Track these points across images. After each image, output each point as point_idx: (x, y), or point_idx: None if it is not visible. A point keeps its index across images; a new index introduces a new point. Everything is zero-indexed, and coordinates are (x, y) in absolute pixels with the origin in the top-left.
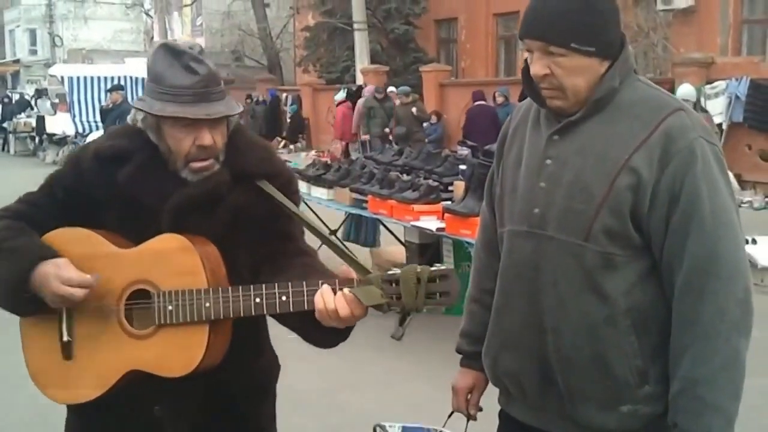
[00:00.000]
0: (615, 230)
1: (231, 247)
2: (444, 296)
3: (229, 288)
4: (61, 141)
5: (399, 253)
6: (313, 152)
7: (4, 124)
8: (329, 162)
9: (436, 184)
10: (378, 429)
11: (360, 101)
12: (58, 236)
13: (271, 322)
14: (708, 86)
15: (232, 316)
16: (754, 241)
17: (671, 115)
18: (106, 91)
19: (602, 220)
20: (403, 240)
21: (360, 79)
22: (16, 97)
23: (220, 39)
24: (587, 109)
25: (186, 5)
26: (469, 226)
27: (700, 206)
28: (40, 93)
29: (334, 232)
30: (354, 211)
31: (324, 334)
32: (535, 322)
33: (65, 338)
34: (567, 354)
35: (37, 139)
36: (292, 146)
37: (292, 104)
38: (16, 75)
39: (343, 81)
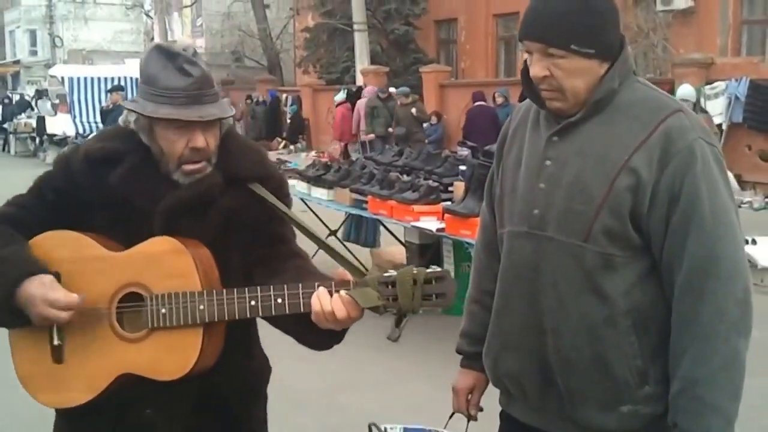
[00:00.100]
0: (615, 231)
1: (223, 250)
2: (440, 298)
3: (224, 290)
4: (61, 142)
5: (399, 253)
6: (313, 153)
7: (5, 125)
8: (329, 162)
9: (436, 184)
10: (373, 428)
11: (361, 101)
12: (47, 240)
13: (264, 323)
14: (708, 87)
15: (227, 318)
16: (753, 242)
17: (670, 116)
18: (107, 91)
19: (602, 220)
20: (403, 240)
21: (360, 80)
22: (16, 97)
23: (220, 40)
24: (587, 110)
25: (186, 6)
26: (469, 227)
27: (700, 206)
28: (41, 94)
29: (334, 233)
30: (354, 211)
31: (319, 336)
32: (535, 323)
33: (56, 342)
34: (567, 355)
35: (37, 140)
36: (292, 147)
37: (292, 105)
38: (16, 76)
39: (343, 82)
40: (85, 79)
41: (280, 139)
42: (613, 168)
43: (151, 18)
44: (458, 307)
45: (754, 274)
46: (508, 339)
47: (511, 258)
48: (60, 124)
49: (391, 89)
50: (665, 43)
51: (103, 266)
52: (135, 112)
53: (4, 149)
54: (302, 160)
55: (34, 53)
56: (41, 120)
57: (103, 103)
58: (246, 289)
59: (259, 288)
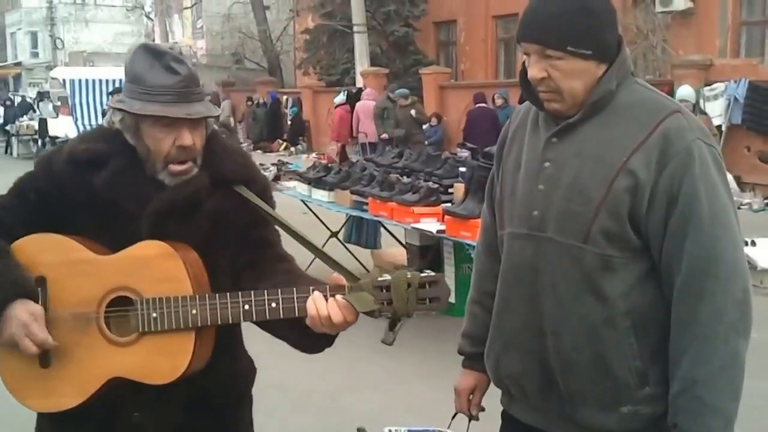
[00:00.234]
0: (613, 232)
1: (211, 253)
2: (434, 301)
3: (217, 295)
4: (63, 143)
5: (400, 254)
6: (313, 154)
7: (7, 127)
8: (329, 164)
9: (436, 186)
10: None
11: (360, 103)
12: (31, 243)
13: (254, 326)
14: (707, 88)
15: (220, 323)
16: (753, 243)
17: (669, 117)
18: (108, 93)
19: (600, 222)
20: (403, 242)
21: (360, 82)
22: (18, 99)
23: (221, 41)
24: (585, 111)
25: (186, 8)
26: (469, 228)
27: (699, 207)
28: (42, 96)
29: (335, 234)
30: (355, 213)
31: (311, 340)
32: (536, 324)
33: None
34: (567, 356)
35: (39, 142)
36: (292, 149)
37: (292, 107)
38: (17, 78)
39: (343, 83)
40: (87, 81)
41: (280, 141)
42: (612, 169)
43: (152, 20)
44: (459, 309)
45: (753, 275)
46: (508, 340)
47: (511, 259)
48: (62, 126)
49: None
50: (664, 44)
51: (91, 270)
52: (122, 110)
53: (6, 151)
54: (303, 161)
55: (35, 55)
56: (43, 122)
57: (105, 105)
58: (239, 293)
59: (252, 292)
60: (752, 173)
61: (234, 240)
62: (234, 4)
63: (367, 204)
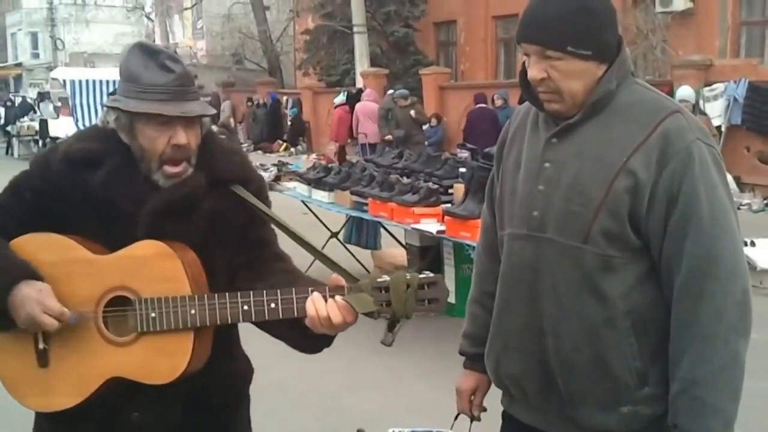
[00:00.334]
0: (613, 232)
1: (208, 253)
2: (433, 303)
3: (216, 295)
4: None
5: (400, 255)
6: (313, 155)
7: (8, 128)
8: (329, 165)
9: (435, 186)
10: None
11: (360, 104)
12: (29, 242)
13: (251, 326)
14: (706, 89)
15: (219, 323)
16: (752, 244)
17: (669, 118)
18: (108, 94)
19: (600, 222)
20: (403, 242)
21: (360, 82)
22: (18, 100)
23: (221, 42)
24: (584, 112)
25: (186, 8)
26: (468, 229)
27: (698, 208)
28: (43, 96)
29: (335, 235)
30: (355, 213)
31: (310, 340)
32: (536, 324)
33: (41, 346)
34: (567, 356)
35: (40, 143)
36: (292, 149)
37: (292, 107)
38: (18, 78)
39: (343, 84)
40: (87, 81)
41: (280, 142)
42: (612, 169)
43: (152, 20)
44: (459, 309)
45: (752, 275)
46: (508, 340)
47: (511, 260)
48: (62, 127)
49: (389, 92)
50: (664, 44)
51: (89, 269)
52: (117, 109)
53: (7, 152)
54: (303, 162)
55: (35, 56)
56: (44, 123)
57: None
58: (238, 293)
59: (251, 293)
60: (752, 174)
61: (231, 240)
62: (234, 5)
63: (367, 204)
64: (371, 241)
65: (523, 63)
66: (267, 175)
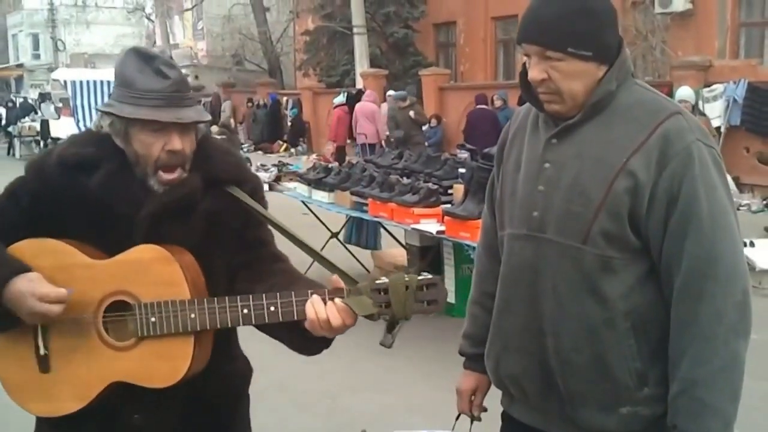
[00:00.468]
0: (613, 233)
1: (206, 255)
2: (432, 304)
3: (215, 299)
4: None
5: (400, 255)
6: (313, 156)
7: (9, 129)
8: (329, 166)
9: (435, 187)
10: None
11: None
12: (27, 248)
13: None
14: (706, 89)
15: (219, 327)
16: (752, 244)
17: (669, 119)
18: (109, 95)
19: (600, 223)
20: (404, 243)
21: (360, 83)
22: (20, 101)
23: (221, 43)
24: (585, 112)
25: (187, 10)
26: (468, 229)
27: (698, 208)
28: (44, 97)
29: (335, 235)
30: (355, 214)
31: (309, 342)
32: (535, 324)
33: (42, 352)
34: (567, 357)
35: (41, 143)
36: (293, 150)
37: (292, 108)
38: (19, 79)
39: (342, 85)
40: (88, 82)
41: (281, 142)
42: (612, 170)
43: (153, 21)
44: (459, 309)
45: (752, 276)
46: (508, 340)
47: (511, 260)
48: (63, 128)
49: (388, 92)
50: (663, 45)
51: (88, 274)
52: (112, 114)
53: (9, 153)
54: (303, 162)
55: (36, 57)
56: (45, 123)
57: None
58: (238, 297)
59: (251, 296)
60: (751, 174)
61: (229, 240)
62: (234, 6)
63: (367, 205)
64: (371, 242)
65: (524, 64)
66: (267, 176)
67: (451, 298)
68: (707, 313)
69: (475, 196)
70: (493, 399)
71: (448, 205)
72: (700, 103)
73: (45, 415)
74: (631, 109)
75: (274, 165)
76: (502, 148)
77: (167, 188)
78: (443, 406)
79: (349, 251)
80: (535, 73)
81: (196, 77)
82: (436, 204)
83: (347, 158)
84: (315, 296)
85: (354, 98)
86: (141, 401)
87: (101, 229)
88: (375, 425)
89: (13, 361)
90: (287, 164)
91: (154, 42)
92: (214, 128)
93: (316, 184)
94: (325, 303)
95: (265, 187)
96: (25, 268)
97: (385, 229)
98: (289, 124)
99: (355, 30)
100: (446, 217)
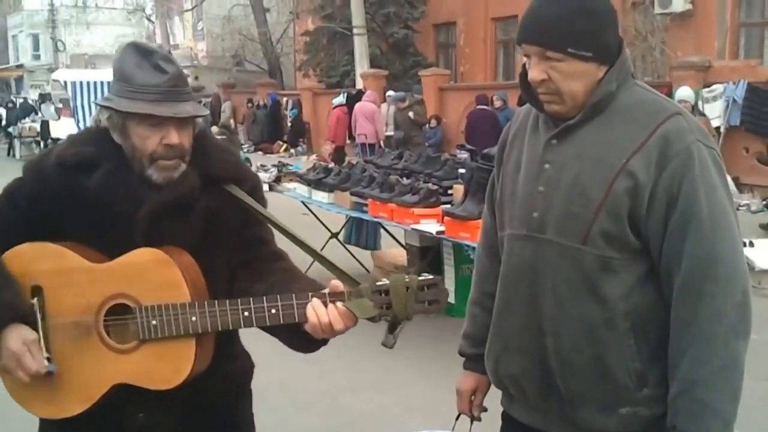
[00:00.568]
0: (613, 234)
1: (206, 253)
2: (433, 304)
3: (216, 301)
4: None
5: (400, 255)
6: (313, 156)
7: (9, 129)
8: (329, 166)
9: (435, 187)
10: None
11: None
12: (27, 252)
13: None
14: (705, 90)
15: (220, 329)
16: (751, 244)
17: (669, 119)
18: None
19: (600, 223)
20: (403, 243)
21: (360, 84)
22: (20, 101)
23: (221, 43)
24: (585, 113)
25: (187, 10)
26: (468, 229)
27: (698, 208)
28: (44, 98)
29: (335, 235)
30: (354, 214)
31: (308, 341)
32: (535, 325)
33: (45, 356)
34: (566, 357)
35: (42, 144)
36: (293, 150)
37: (292, 109)
38: (20, 80)
39: (342, 85)
40: (88, 83)
41: (281, 143)
42: (611, 171)
43: (153, 22)
44: (459, 309)
45: (752, 276)
46: (508, 341)
47: (511, 261)
48: (64, 128)
49: (388, 93)
50: (663, 46)
51: (88, 278)
52: (110, 108)
53: (9, 153)
54: (303, 163)
55: (37, 57)
56: (45, 124)
57: None
58: (238, 300)
59: (251, 299)
60: (751, 174)
61: (228, 239)
62: (234, 7)
63: (366, 205)
64: (371, 242)
65: (524, 64)
66: (267, 176)
67: (451, 298)
68: (707, 313)
69: (475, 197)
70: (493, 399)
71: (448, 206)
72: (700, 103)
73: (50, 417)
74: (631, 109)
75: (274, 165)
76: (503, 149)
77: (166, 186)
78: (443, 406)
79: (349, 251)
80: (535, 74)
81: (196, 78)
82: (436, 204)
83: (347, 158)
84: (316, 299)
85: (354, 99)
86: (144, 401)
87: (101, 229)
88: (375, 425)
89: None
90: (287, 165)
91: (154, 42)
92: (214, 129)
93: (316, 184)
94: (326, 306)
95: (265, 187)
96: (26, 315)
97: (385, 229)
98: (289, 124)
99: (355, 30)
100: (446, 218)
